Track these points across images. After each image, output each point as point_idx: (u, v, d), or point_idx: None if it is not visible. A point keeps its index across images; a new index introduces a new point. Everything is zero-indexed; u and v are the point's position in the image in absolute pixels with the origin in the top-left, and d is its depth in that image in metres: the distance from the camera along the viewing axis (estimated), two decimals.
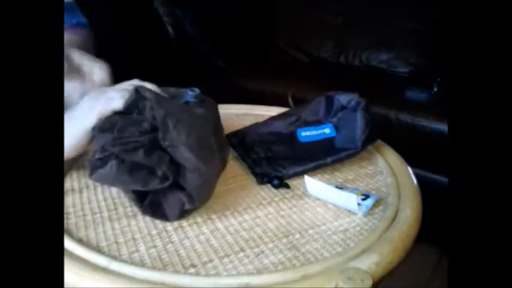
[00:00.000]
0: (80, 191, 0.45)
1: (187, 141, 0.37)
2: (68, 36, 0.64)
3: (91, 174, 0.38)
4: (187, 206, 0.39)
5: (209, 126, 0.43)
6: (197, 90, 0.49)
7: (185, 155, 0.36)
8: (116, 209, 0.42)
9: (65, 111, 0.45)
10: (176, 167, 0.38)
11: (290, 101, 1.37)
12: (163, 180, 0.37)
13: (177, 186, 0.38)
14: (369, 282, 0.31)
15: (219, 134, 0.44)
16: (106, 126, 0.39)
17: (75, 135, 0.43)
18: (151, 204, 0.39)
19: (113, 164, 0.37)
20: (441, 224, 0.73)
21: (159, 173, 0.36)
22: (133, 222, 0.40)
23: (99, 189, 0.46)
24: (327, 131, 0.54)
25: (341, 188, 0.44)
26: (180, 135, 0.37)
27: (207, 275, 0.33)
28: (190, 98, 0.47)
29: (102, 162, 0.38)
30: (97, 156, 0.38)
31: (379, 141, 0.57)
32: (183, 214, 0.40)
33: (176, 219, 0.40)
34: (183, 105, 0.45)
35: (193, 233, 0.38)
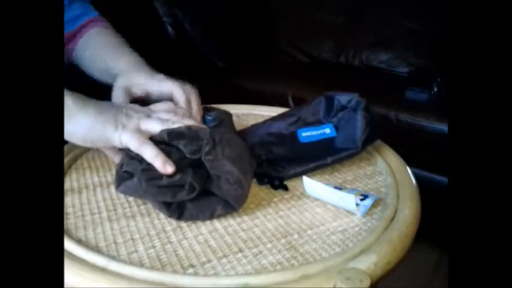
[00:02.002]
0: (79, 192, 0.45)
1: (231, 156, 0.39)
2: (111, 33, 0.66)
3: (118, 186, 0.40)
4: (219, 212, 0.40)
5: (241, 143, 0.46)
6: (213, 114, 0.51)
7: (228, 169, 0.39)
8: (115, 209, 0.42)
9: None
10: (204, 176, 0.40)
11: (290, 101, 1.37)
12: (190, 192, 0.39)
13: (207, 193, 0.40)
14: (368, 283, 0.31)
15: (248, 151, 0.46)
16: (137, 156, 0.41)
17: (95, 128, 0.43)
18: (178, 207, 0.40)
19: (143, 163, 0.40)
20: (441, 224, 0.73)
21: (186, 185, 0.38)
22: (132, 223, 0.40)
23: (98, 189, 0.46)
24: (327, 131, 0.54)
25: (340, 189, 0.44)
26: (224, 150, 0.39)
27: (205, 275, 0.33)
28: (210, 122, 0.50)
29: (129, 174, 0.40)
30: (124, 168, 0.40)
31: (378, 142, 0.57)
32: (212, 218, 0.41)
33: (205, 220, 0.40)
34: (220, 129, 0.49)
35: (191, 233, 0.38)
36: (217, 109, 0.56)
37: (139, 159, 0.40)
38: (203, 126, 0.46)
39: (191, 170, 0.39)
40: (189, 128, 0.41)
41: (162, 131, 0.42)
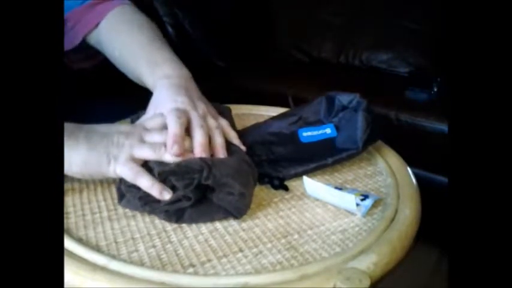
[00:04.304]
0: (80, 191, 0.45)
1: (229, 173, 0.40)
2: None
3: (120, 200, 0.42)
4: (219, 218, 0.40)
5: (237, 154, 0.46)
6: None
7: (230, 184, 0.39)
8: (115, 209, 0.42)
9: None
10: (202, 188, 0.40)
11: (290, 101, 1.37)
12: (186, 201, 0.40)
13: (208, 200, 0.41)
14: (367, 283, 0.31)
15: (246, 159, 0.46)
16: (133, 185, 0.42)
17: (90, 164, 0.42)
18: (177, 211, 0.40)
19: (140, 191, 0.41)
20: (441, 224, 0.73)
21: (182, 198, 0.40)
22: (132, 223, 0.40)
23: (99, 189, 0.46)
24: (327, 131, 0.54)
25: (340, 189, 0.44)
26: (221, 170, 0.40)
27: (205, 274, 0.33)
28: None
29: (133, 194, 0.41)
30: (123, 191, 0.42)
31: (379, 142, 0.57)
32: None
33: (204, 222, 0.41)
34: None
35: (192, 233, 0.38)
36: (217, 106, 0.56)
37: (137, 188, 0.41)
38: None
39: (183, 184, 0.40)
40: (178, 164, 0.40)
41: (153, 166, 0.41)
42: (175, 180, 0.40)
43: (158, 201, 0.40)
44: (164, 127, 0.45)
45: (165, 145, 0.42)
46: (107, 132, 0.44)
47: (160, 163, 0.42)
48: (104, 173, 0.43)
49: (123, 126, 0.46)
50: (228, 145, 0.47)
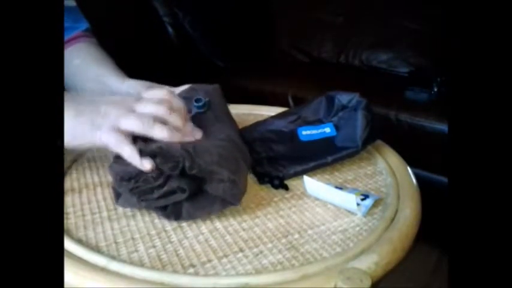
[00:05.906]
0: (80, 191, 0.45)
1: (214, 161, 0.39)
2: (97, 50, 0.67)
3: (117, 200, 0.41)
4: (218, 208, 0.40)
5: (223, 139, 0.45)
6: (202, 100, 0.50)
7: (218, 171, 0.39)
8: (115, 209, 0.42)
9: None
10: (195, 179, 0.40)
11: (290, 101, 1.37)
12: (181, 193, 0.39)
13: (204, 192, 0.40)
14: (368, 282, 0.31)
15: (237, 143, 0.45)
16: (124, 177, 0.40)
17: (77, 131, 0.41)
18: (175, 208, 0.40)
19: (131, 182, 0.40)
20: (441, 224, 0.73)
21: (177, 190, 0.39)
22: (132, 223, 0.40)
23: (98, 189, 0.46)
24: (327, 130, 0.54)
25: (340, 188, 0.44)
26: (205, 158, 0.39)
27: (205, 275, 0.33)
28: (197, 109, 0.50)
29: (125, 187, 0.41)
30: (117, 189, 0.41)
31: (378, 141, 0.57)
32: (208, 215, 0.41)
33: (204, 217, 0.40)
34: (209, 116, 0.49)
35: (192, 233, 0.38)
36: (205, 87, 0.55)
37: (127, 179, 0.40)
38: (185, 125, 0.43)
39: (177, 174, 0.39)
40: (160, 147, 0.40)
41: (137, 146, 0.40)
42: (160, 163, 0.39)
43: (151, 192, 0.39)
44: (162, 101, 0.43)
45: (154, 118, 0.41)
46: (95, 100, 0.43)
47: (145, 143, 0.41)
48: (90, 139, 0.41)
49: (116, 97, 0.45)
50: (219, 127, 0.47)
